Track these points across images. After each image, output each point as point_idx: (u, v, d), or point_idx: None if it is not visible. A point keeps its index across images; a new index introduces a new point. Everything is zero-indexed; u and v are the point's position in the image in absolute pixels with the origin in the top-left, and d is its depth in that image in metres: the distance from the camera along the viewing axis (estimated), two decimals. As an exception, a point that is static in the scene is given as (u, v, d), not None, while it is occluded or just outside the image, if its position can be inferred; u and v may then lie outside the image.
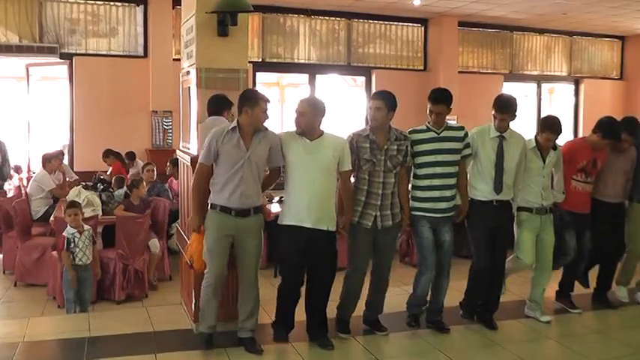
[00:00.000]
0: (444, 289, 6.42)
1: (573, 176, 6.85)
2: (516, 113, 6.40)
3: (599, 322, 7.03)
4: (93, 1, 13.18)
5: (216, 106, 6.23)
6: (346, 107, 15.43)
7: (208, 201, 5.76)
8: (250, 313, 5.88)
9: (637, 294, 7.55)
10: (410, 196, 6.27)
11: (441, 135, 6.17)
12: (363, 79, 15.54)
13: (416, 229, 6.27)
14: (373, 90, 14.87)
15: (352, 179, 6.01)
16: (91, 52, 13.24)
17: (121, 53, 13.47)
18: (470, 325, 6.58)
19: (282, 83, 18.27)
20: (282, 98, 18.37)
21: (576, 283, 7.29)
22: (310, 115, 5.74)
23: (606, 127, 6.80)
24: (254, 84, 13.68)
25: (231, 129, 5.60)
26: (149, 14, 13.28)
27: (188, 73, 6.91)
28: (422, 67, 15.82)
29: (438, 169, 6.14)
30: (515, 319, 6.80)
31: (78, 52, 13.11)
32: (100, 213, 8.53)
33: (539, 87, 17.48)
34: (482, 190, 6.38)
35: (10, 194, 11.03)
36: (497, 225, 6.41)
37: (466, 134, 6.28)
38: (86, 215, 8.18)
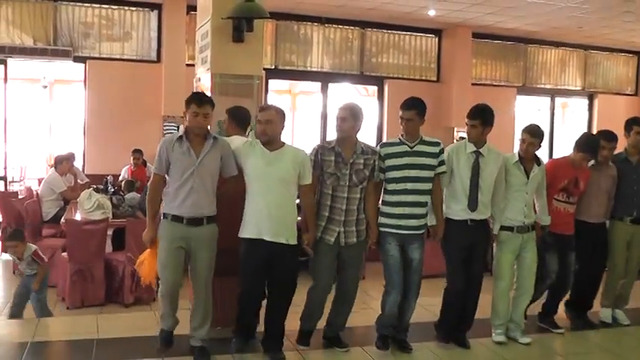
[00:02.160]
0: (411, 309, 6.18)
1: (555, 196, 6.69)
2: (490, 122, 6.16)
3: (579, 342, 6.91)
4: (107, 6, 13.25)
5: (242, 119, 6.20)
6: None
7: (161, 211, 5.67)
8: (201, 322, 5.78)
9: (615, 311, 7.41)
10: (379, 211, 6.05)
11: (414, 149, 5.91)
12: (375, 88, 15.54)
13: (382, 246, 6.02)
14: (386, 100, 14.92)
15: (317, 193, 5.83)
16: (104, 55, 13.31)
17: (135, 58, 13.54)
18: (440, 344, 6.41)
19: (293, 91, 18.29)
20: (293, 106, 18.39)
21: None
22: (277, 123, 5.57)
23: (581, 141, 6.69)
24: (266, 91, 13.70)
25: (179, 137, 5.51)
26: (163, 19, 13.34)
27: (201, 78, 6.92)
28: (435, 78, 15.80)
29: (409, 185, 5.88)
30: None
31: (92, 55, 13.18)
32: (111, 216, 8.54)
33: (552, 101, 17.40)
34: (456, 208, 6.17)
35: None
36: (472, 244, 6.19)
37: (441, 150, 6.01)
38: (96, 218, 8.22)
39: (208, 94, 6.44)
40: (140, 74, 13.22)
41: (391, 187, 5.95)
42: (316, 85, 15.27)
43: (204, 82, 6.71)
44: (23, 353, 5.83)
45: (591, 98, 17.74)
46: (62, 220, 8.74)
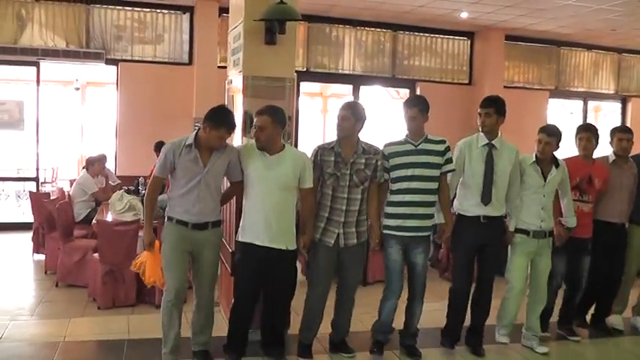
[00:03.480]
0: (418, 314, 6.12)
1: None
2: (503, 112, 6.11)
3: (598, 351, 6.85)
4: (140, 9, 13.29)
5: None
6: (389, 119, 15.37)
7: (165, 213, 5.65)
8: (203, 327, 5.76)
9: (635, 318, 7.35)
10: (383, 212, 5.96)
11: (419, 147, 5.87)
12: (407, 91, 15.45)
13: (385, 249, 5.96)
14: (417, 103, 14.77)
15: (317, 193, 5.77)
16: (136, 58, 13.35)
17: (166, 60, 13.55)
18: (451, 351, 6.39)
19: (325, 93, 18.27)
20: (324, 108, 18.38)
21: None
22: (270, 129, 5.47)
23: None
24: (298, 93, 13.67)
25: (189, 144, 5.44)
26: (195, 22, 13.34)
27: (233, 80, 6.91)
28: (467, 81, 15.66)
29: (414, 184, 5.80)
30: (513, 342, 6.58)
31: (124, 58, 13.23)
32: (142, 217, 8.55)
33: (585, 104, 17.14)
34: (468, 204, 6.10)
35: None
36: (483, 243, 6.08)
37: (447, 148, 5.93)
38: (128, 219, 8.24)
39: (240, 96, 6.44)
40: (172, 77, 13.24)
41: (396, 186, 5.88)
42: (348, 88, 15.20)
43: (235, 84, 6.71)
44: (55, 353, 5.89)
45: (624, 102, 17.48)
46: (93, 221, 8.78)
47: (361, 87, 14.81)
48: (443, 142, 5.97)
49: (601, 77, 17.04)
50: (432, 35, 15.33)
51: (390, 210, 5.92)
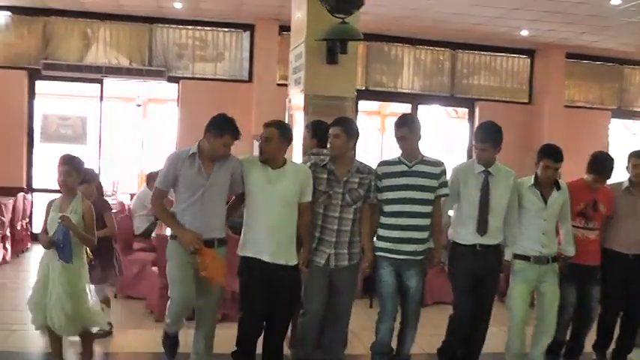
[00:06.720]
0: (409, 341, 5.92)
1: (571, 222, 6.24)
2: (501, 141, 5.82)
3: None
4: (201, 27, 13.52)
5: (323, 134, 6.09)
6: (448, 139, 15.30)
7: (168, 232, 5.56)
8: (205, 348, 5.67)
9: None
10: (375, 234, 5.79)
11: (413, 169, 5.68)
12: (465, 110, 15.34)
13: (376, 271, 5.76)
14: (476, 122, 14.63)
15: None
16: (197, 76, 13.56)
17: (226, 77, 13.74)
18: None
19: (383, 112, 18.23)
20: (382, 127, 18.33)
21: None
22: (277, 142, 5.43)
23: (590, 161, 6.30)
24: (356, 112, 13.68)
25: (192, 154, 5.40)
26: (255, 40, 13.47)
27: (294, 99, 6.97)
28: (527, 100, 15.43)
29: (407, 207, 5.62)
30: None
31: (185, 75, 13.45)
32: (201, 232, 8.63)
33: (648, 125, 16.86)
34: (463, 232, 5.88)
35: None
36: (480, 272, 5.84)
37: (443, 172, 5.74)
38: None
39: (301, 114, 6.49)
40: (231, 94, 13.32)
41: (388, 208, 5.72)
42: (406, 107, 15.17)
43: (296, 102, 6.78)
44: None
45: (689, 123, 17.13)
46: (153, 234, 8.89)
47: (419, 106, 14.74)
48: (440, 164, 5.80)
49: (665, 97, 16.69)
50: (491, 53, 15.22)
51: (382, 232, 5.76)
